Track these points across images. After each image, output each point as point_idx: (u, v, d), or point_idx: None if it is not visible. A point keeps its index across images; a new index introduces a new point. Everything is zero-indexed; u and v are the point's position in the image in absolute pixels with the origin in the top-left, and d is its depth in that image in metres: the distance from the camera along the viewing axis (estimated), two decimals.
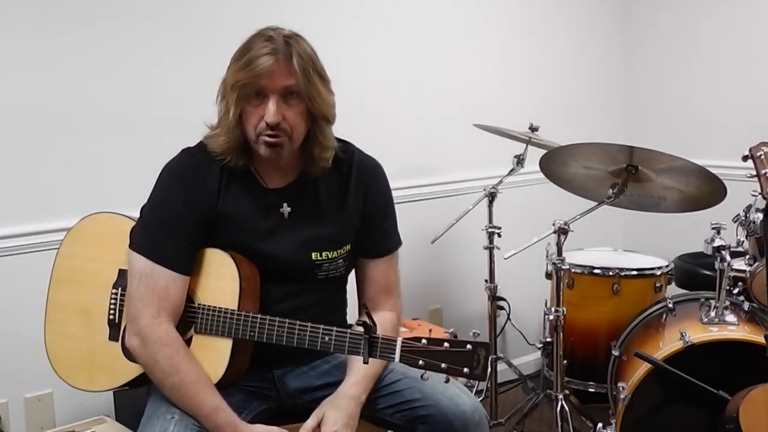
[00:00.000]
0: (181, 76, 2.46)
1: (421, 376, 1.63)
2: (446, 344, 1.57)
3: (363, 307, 1.58)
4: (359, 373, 1.74)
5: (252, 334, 1.67)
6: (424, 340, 1.58)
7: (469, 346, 1.56)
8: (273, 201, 1.78)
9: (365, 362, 1.61)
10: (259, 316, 1.68)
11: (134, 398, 1.89)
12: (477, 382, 2.87)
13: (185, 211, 1.71)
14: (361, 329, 1.61)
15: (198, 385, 1.64)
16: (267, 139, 1.68)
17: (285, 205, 1.78)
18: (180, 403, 1.65)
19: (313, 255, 1.78)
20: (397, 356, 1.58)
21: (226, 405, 1.65)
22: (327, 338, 1.64)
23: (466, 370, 1.56)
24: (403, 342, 1.58)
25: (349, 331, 1.65)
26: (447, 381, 1.63)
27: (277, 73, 1.65)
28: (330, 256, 1.80)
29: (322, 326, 1.65)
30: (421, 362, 1.57)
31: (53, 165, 2.28)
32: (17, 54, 2.21)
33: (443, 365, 1.57)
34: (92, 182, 2.34)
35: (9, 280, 2.23)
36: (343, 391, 1.73)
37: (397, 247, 1.92)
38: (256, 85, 1.65)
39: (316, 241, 1.78)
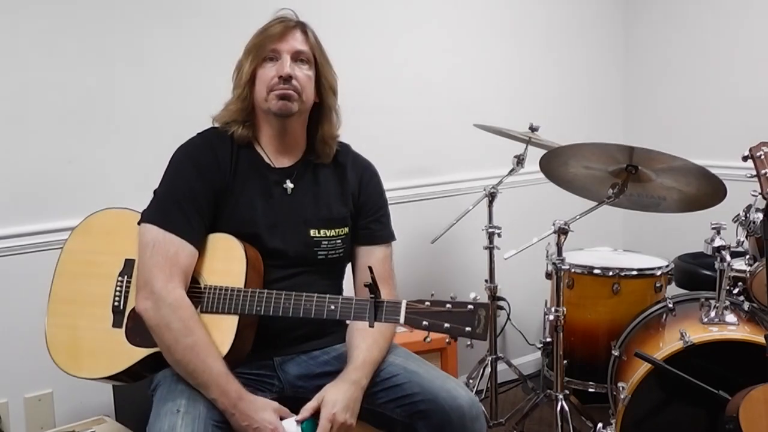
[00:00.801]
0: (182, 76, 2.46)
1: (424, 339, 1.68)
2: (448, 305, 1.62)
3: (369, 270, 1.63)
4: (359, 358, 1.77)
5: (258, 308, 1.70)
6: (427, 302, 1.63)
7: (470, 307, 1.61)
8: (278, 178, 1.86)
9: (371, 326, 1.65)
10: (265, 291, 1.72)
11: (134, 398, 1.89)
12: (477, 382, 2.89)
13: (197, 186, 1.78)
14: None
15: (210, 349, 1.67)
16: (279, 91, 1.78)
17: (288, 181, 1.86)
18: (190, 365, 1.66)
19: (312, 232, 1.85)
20: (402, 317, 1.62)
21: (233, 375, 1.67)
22: (333, 306, 1.68)
23: (467, 329, 1.60)
24: (407, 304, 1.62)
25: (354, 298, 1.69)
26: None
27: (291, 38, 1.81)
28: (328, 235, 1.87)
29: (327, 296, 1.69)
30: (425, 323, 1.62)
31: (54, 165, 2.28)
32: (17, 54, 2.21)
33: (446, 325, 1.61)
34: (92, 182, 2.34)
35: (9, 280, 2.23)
36: (345, 376, 1.75)
37: (392, 240, 1.98)
38: (270, 46, 1.80)
39: (315, 218, 1.86)
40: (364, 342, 1.79)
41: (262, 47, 1.80)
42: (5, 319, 2.22)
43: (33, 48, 2.23)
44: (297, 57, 1.81)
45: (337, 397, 1.70)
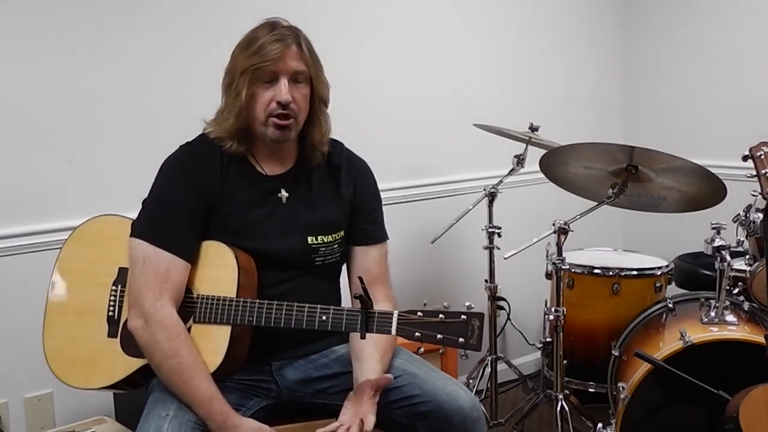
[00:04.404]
0: (181, 76, 2.46)
1: (417, 350, 1.67)
2: (441, 315, 1.60)
3: (360, 281, 1.62)
4: (376, 370, 1.74)
5: (250, 318, 1.70)
6: (419, 313, 1.61)
7: (463, 317, 1.59)
8: (271, 187, 1.84)
9: (362, 337, 1.64)
10: (257, 301, 1.71)
11: (134, 398, 1.89)
12: (477, 382, 2.89)
13: (186, 198, 1.76)
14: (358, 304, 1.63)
15: (194, 371, 1.66)
16: (277, 121, 1.76)
17: (282, 190, 1.84)
18: (175, 387, 1.66)
19: (309, 239, 1.83)
20: (393, 329, 1.61)
21: (221, 395, 1.66)
22: (324, 317, 1.67)
23: (461, 340, 1.59)
24: (399, 315, 1.61)
25: (346, 308, 1.67)
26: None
27: (288, 58, 1.76)
28: (326, 240, 1.85)
29: (319, 306, 1.68)
30: (417, 334, 1.60)
31: (53, 165, 2.28)
32: (17, 54, 2.21)
33: (439, 336, 1.59)
34: (92, 182, 2.34)
35: (9, 280, 2.23)
36: (360, 392, 1.71)
37: (386, 239, 1.97)
38: (269, 69, 1.74)
39: (311, 225, 1.84)
40: (377, 352, 1.76)
41: (260, 70, 1.74)
42: (5, 319, 2.22)
43: (33, 48, 2.23)
44: (295, 76, 1.77)
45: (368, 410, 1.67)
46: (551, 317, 2.48)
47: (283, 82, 1.75)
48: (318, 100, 1.82)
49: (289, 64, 1.75)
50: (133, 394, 1.87)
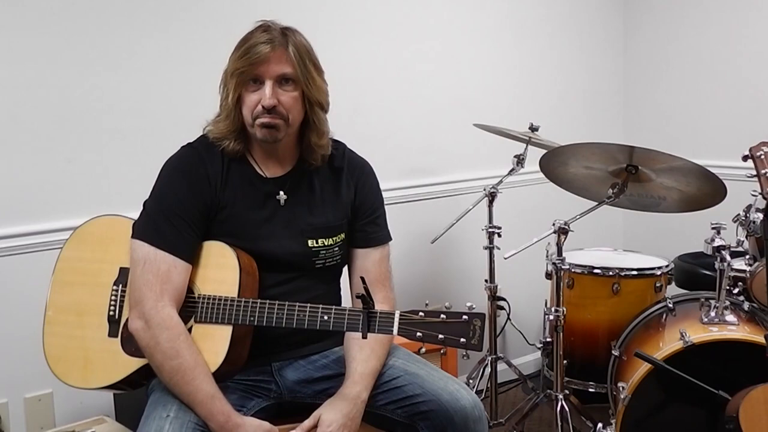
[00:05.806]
0: (180, 76, 2.46)
1: (419, 350, 1.66)
2: (443, 316, 1.60)
3: (362, 281, 1.62)
4: (357, 371, 1.75)
5: (252, 318, 1.70)
6: (421, 313, 1.61)
7: (464, 317, 1.60)
8: (270, 189, 1.84)
9: (364, 337, 1.64)
10: (258, 300, 1.71)
11: (134, 398, 1.89)
12: (477, 382, 2.89)
13: (187, 199, 1.76)
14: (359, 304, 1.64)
15: (196, 371, 1.66)
16: (263, 120, 1.75)
17: (281, 192, 1.84)
18: (177, 388, 1.66)
19: (310, 242, 1.83)
20: (395, 329, 1.62)
21: (222, 395, 1.67)
22: (326, 317, 1.68)
23: (462, 340, 1.59)
24: (401, 315, 1.62)
25: (348, 308, 1.68)
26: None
27: (273, 60, 1.74)
28: (326, 243, 1.85)
29: (321, 306, 1.69)
30: (419, 334, 1.61)
31: (53, 165, 2.28)
32: (17, 54, 2.21)
33: (440, 336, 1.60)
34: (92, 182, 2.34)
35: (9, 280, 2.23)
36: (343, 391, 1.74)
37: (388, 241, 1.96)
38: (253, 71, 1.74)
39: (311, 228, 1.84)
40: (361, 353, 1.77)
41: (245, 73, 1.74)
42: (5, 319, 2.22)
43: (33, 48, 2.23)
44: (282, 78, 1.75)
45: (334, 416, 1.68)
46: (551, 317, 2.48)
47: (268, 86, 1.74)
48: (313, 103, 1.80)
49: (274, 68, 1.74)
50: (133, 394, 1.88)
